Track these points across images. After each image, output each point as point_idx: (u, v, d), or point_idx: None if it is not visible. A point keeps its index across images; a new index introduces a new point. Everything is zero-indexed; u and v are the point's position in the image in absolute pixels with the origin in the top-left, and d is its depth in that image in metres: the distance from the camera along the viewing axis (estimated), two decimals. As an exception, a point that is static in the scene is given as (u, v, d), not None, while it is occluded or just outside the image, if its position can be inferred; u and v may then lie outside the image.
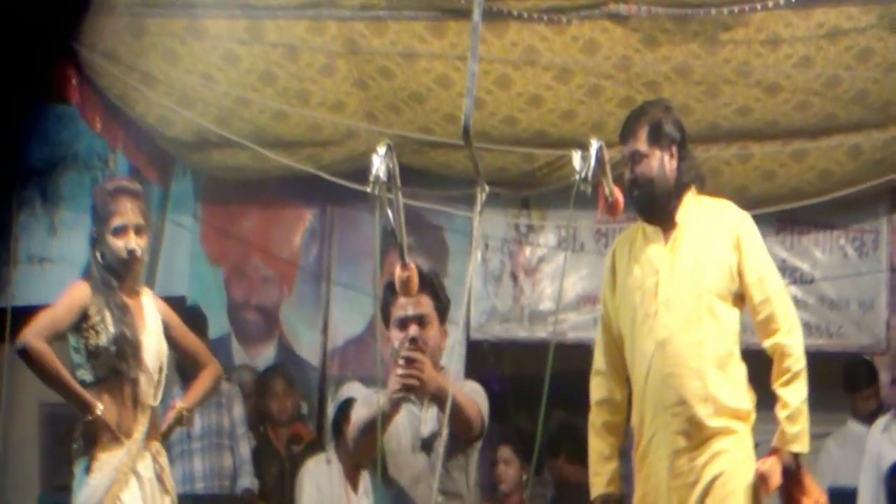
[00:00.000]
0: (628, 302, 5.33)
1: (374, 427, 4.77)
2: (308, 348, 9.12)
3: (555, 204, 8.64)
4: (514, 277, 8.85)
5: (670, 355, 5.19)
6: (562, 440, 8.06)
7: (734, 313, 5.27)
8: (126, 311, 5.67)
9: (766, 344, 5.22)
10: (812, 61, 7.30)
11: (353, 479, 7.83)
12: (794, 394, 5.16)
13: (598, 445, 5.43)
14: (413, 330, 5.02)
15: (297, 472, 8.21)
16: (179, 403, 5.90)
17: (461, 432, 4.97)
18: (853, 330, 8.46)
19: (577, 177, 4.95)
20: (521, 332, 8.82)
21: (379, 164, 4.46)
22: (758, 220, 5.44)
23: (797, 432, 5.16)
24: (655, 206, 5.33)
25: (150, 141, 8.48)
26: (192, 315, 7.56)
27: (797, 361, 5.18)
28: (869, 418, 8.15)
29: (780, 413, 5.17)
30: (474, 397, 5.08)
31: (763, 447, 5.27)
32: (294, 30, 7.60)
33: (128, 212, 5.69)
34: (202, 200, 9.28)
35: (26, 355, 5.53)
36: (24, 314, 6.43)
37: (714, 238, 5.28)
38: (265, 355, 9.18)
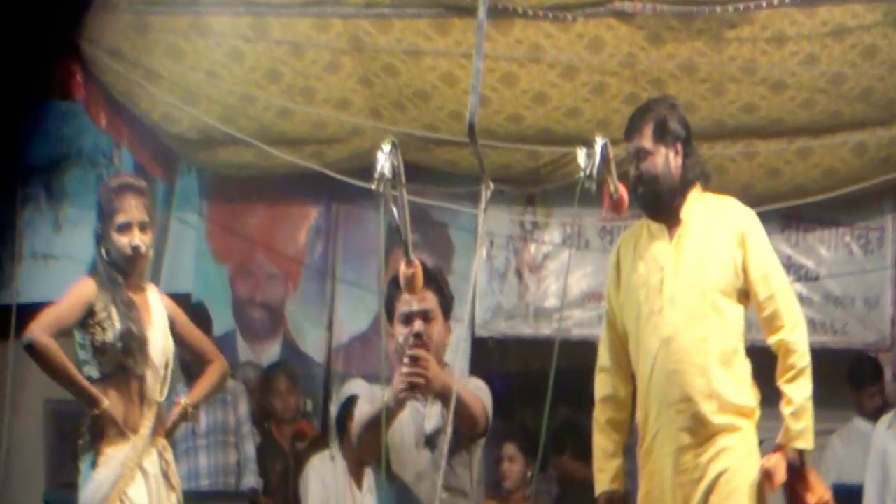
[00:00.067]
0: (633, 299, 5.33)
1: (378, 423, 4.77)
2: (313, 345, 9.13)
3: (560, 201, 8.64)
4: (520, 274, 8.85)
5: (675, 352, 5.19)
6: (566, 437, 8.06)
7: (739, 310, 5.27)
8: (132, 307, 5.68)
9: (771, 340, 5.21)
10: (817, 59, 7.30)
11: (357, 476, 7.83)
12: (798, 390, 5.16)
13: (602, 442, 5.43)
14: (418, 325, 5.01)
15: (302, 469, 8.21)
16: (184, 399, 5.90)
17: (466, 429, 4.97)
18: (858, 327, 8.45)
19: (582, 174, 4.95)
20: (526, 329, 8.82)
21: (384, 162, 4.46)
22: (763, 217, 5.44)
23: (802, 429, 5.15)
24: (660, 203, 5.33)
25: (154, 138, 8.49)
26: (196, 312, 7.56)
27: (802, 358, 5.18)
28: (874, 415, 8.15)
29: (785, 410, 5.16)
30: (479, 394, 5.08)
31: (768, 444, 5.27)
32: (299, 27, 7.61)
33: (132, 209, 5.69)
34: (207, 197, 9.28)
35: (33, 350, 5.54)
36: (29, 311, 6.46)
37: (719, 235, 5.28)
38: (270, 352, 9.18)
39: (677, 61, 7.39)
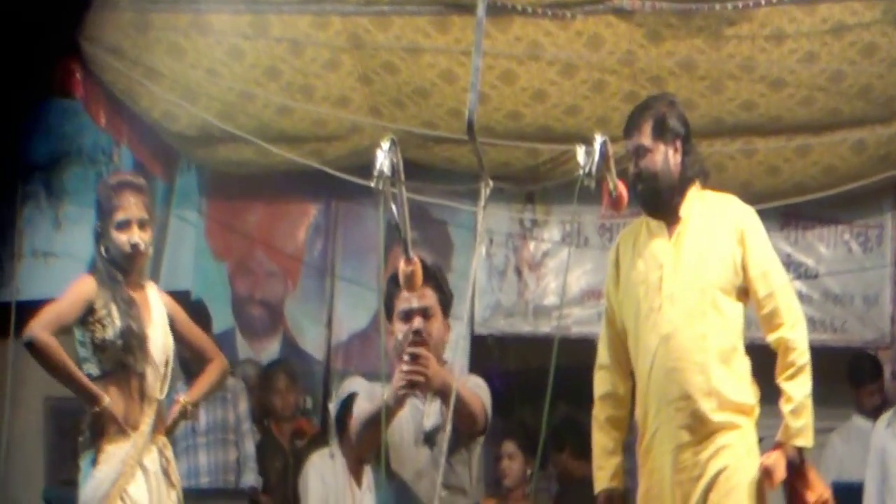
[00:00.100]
0: (632, 296, 5.33)
1: (377, 421, 4.77)
2: (312, 343, 9.13)
3: (559, 199, 8.64)
4: (519, 272, 8.85)
5: (674, 350, 5.19)
6: (566, 435, 8.06)
7: (738, 308, 5.27)
8: (132, 304, 5.68)
9: (771, 338, 5.22)
10: (816, 56, 7.30)
11: (356, 473, 7.82)
12: (798, 388, 5.16)
13: (601, 440, 5.43)
14: (417, 322, 5.01)
15: (301, 467, 8.22)
16: (184, 397, 5.90)
17: (465, 427, 4.97)
18: (857, 325, 8.46)
19: (581, 172, 4.95)
20: (525, 327, 8.82)
21: (383, 159, 4.46)
22: (762, 214, 5.44)
23: (801, 426, 5.15)
24: (659, 201, 5.33)
25: (154, 135, 8.49)
26: (196, 310, 7.56)
27: (801, 355, 5.18)
28: (873, 413, 8.15)
29: (785, 407, 5.16)
30: (478, 392, 5.08)
31: (767, 442, 5.27)
32: (298, 25, 7.61)
33: (131, 206, 5.70)
34: (206, 195, 9.29)
35: (33, 347, 5.54)
36: (29, 308, 6.46)
37: (718, 232, 5.28)
38: (269, 350, 9.19)
39: (676, 59, 7.39)
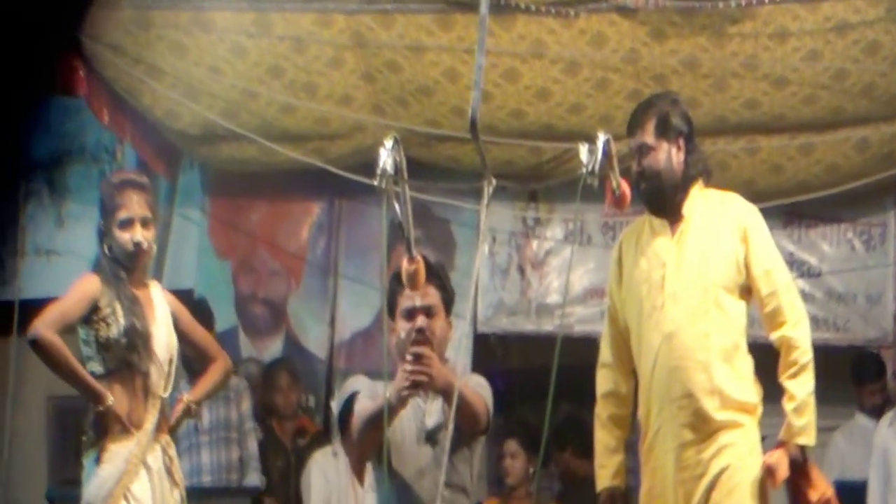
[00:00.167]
0: (635, 295, 5.33)
1: (379, 419, 4.76)
2: (315, 341, 9.13)
3: (562, 197, 8.64)
4: (522, 270, 8.85)
5: (677, 348, 5.19)
6: (568, 433, 8.04)
7: (741, 306, 5.27)
8: (136, 302, 5.68)
9: (773, 336, 5.22)
10: (820, 55, 7.30)
11: (359, 472, 7.81)
12: (800, 386, 5.16)
13: (604, 438, 5.44)
14: (420, 321, 5.01)
15: (303, 465, 8.22)
16: (187, 396, 5.90)
17: (467, 426, 4.97)
18: (860, 323, 8.46)
19: (584, 170, 4.94)
20: (528, 326, 8.82)
21: (386, 158, 4.46)
22: (765, 213, 5.44)
23: (804, 425, 5.15)
24: (662, 199, 5.33)
25: (157, 134, 8.49)
26: (199, 308, 7.55)
27: (804, 354, 5.18)
28: (875, 412, 8.16)
29: (787, 405, 5.16)
30: (480, 391, 5.08)
31: (770, 440, 5.27)
32: (301, 23, 7.61)
33: (134, 205, 5.69)
34: (210, 193, 9.28)
35: (37, 346, 5.53)
36: (31, 307, 6.45)
37: (721, 231, 5.28)
38: (272, 348, 9.18)
39: (679, 57, 7.39)
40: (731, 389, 5.19)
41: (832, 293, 8.49)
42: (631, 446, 5.48)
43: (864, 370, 8.35)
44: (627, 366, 5.43)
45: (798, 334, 5.19)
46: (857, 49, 7.24)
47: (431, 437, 5.05)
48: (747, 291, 5.28)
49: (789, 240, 8.44)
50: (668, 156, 5.32)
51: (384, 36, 7.55)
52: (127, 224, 5.67)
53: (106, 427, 5.60)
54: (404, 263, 4.72)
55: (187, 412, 5.88)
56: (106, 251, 5.73)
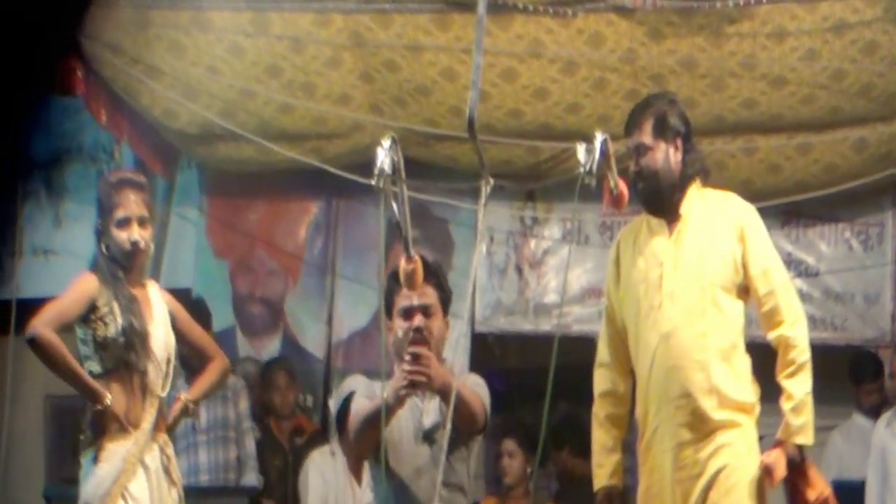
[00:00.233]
0: (632, 294, 5.33)
1: (377, 419, 4.76)
2: (313, 341, 9.13)
3: (560, 197, 8.64)
4: (519, 270, 8.85)
5: (674, 347, 5.19)
6: (566, 433, 8.05)
7: (738, 305, 5.26)
8: (134, 302, 5.67)
9: (771, 336, 5.21)
10: (818, 54, 7.31)
11: (357, 471, 7.83)
12: (798, 386, 5.16)
13: (601, 437, 5.43)
14: (418, 320, 5.01)
15: (300, 464, 8.22)
16: (185, 395, 5.90)
17: (465, 426, 4.97)
18: (858, 323, 8.46)
19: (582, 169, 4.94)
20: (525, 325, 8.82)
21: (384, 157, 4.46)
22: (763, 213, 5.44)
23: (802, 424, 5.15)
24: (660, 199, 5.33)
25: (155, 133, 8.49)
26: (196, 307, 7.56)
27: (802, 353, 5.18)
28: (873, 411, 8.16)
29: (785, 405, 5.16)
30: (477, 391, 5.08)
31: (768, 440, 5.27)
32: (299, 22, 7.61)
33: (131, 204, 5.69)
34: (207, 193, 9.28)
35: (35, 345, 5.53)
36: (29, 306, 6.45)
37: (718, 230, 5.28)
38: (270, 348, 9.18)
39: (677, 57, 7.39)
40: (729, 389, 5.19)
41: (830, 293, 8.49)
42: (628, 446, 5.48)
43: (862, 370, 8.35)
44: (625, 365, 5.42)
45: (796, 333, 5.19)
46: (854, 49, 7.25)
47: (429, 436, 5.06)
48: (745, 291, 5.27)
49: (787, 239, 8.44)
50: (666, 155, 5.31)
51: (382, 36, 7.55)
52: (124, 223, 5.67)
53: (104, 426, 5.60)
54: (402, 263, 4.72)
55: (185, 411, 5.88)
56: (103, 250, 5.72)
